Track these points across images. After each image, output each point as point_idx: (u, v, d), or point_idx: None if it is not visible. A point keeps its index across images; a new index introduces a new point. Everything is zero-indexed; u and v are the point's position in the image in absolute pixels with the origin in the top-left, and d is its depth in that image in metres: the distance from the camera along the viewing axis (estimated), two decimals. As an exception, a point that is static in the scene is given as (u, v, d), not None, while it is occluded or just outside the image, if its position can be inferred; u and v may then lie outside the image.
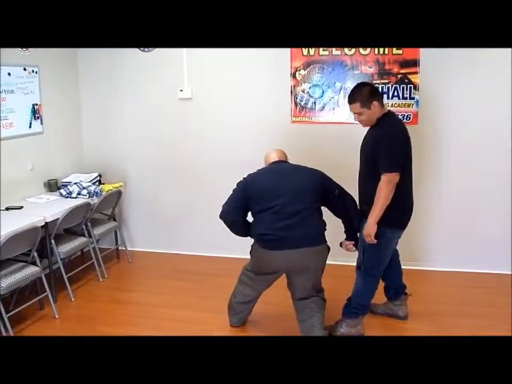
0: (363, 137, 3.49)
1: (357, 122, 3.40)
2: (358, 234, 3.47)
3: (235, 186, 3.40)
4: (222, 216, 3.39)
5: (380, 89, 4.29)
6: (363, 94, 3.24)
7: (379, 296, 3.77)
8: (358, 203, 3.48)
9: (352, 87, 3.45)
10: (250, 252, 3.45)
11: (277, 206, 3.14)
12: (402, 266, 3.81)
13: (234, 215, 3.37)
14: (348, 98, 3.37)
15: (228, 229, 3.48)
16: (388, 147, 3.17)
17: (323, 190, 3.28)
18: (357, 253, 3.51)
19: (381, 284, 3.74)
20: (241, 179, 3.39)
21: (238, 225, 3.43)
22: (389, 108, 3.52)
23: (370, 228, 3.22)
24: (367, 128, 3.46)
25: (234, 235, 3.50)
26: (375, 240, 3.24)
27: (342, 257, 4.42)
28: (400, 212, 3.31)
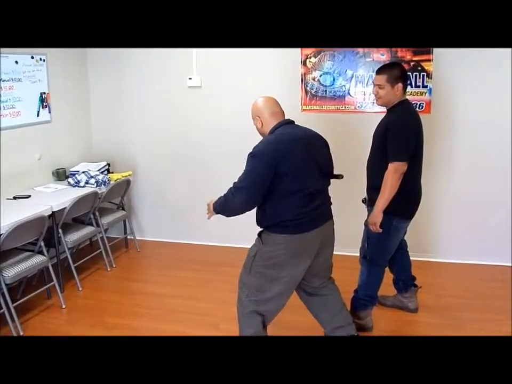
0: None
1: (372, 110, 3.33)
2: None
3: (250, 163, 2.74)
4: (242, 206, 2.78)
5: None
6: (393, 71, 3.25)
7: (389, 288, 3.72)
8: (366, 189, 3.46)
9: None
10: (260, 253, 2.85)
11: (309, 187, 2.77)
12: (412, 258, 3.76)
13: (258, 201, 2.78)
14: (377, 69, 3.37)
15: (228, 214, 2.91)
16: (397, 136, 3.14)
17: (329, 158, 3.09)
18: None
19: (390, 276, 3.69)
20: (256, 152, 2.75)
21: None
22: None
23: (376, 216, 3.19)
24: (378, 117, 3.40)
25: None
26: (380, 229, 3.21)
27: (347, 248, 4.37)
28: (408, 201, 3.29)
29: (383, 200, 3.15)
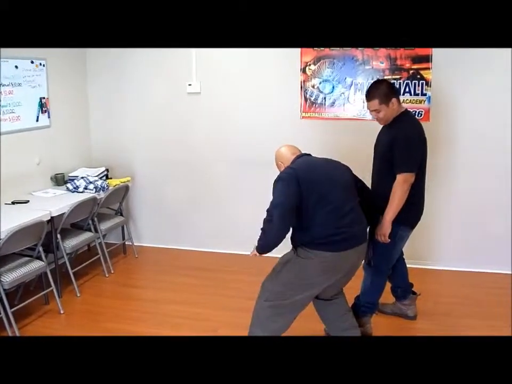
0: (378, 134, 3.45)
1: (373, 119, 3.33)
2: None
3: (276, 186, 2.83)
4: (280, 224, 2.77)
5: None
6: (382, 91, 3.20)
7: (388, 296, 3.72)
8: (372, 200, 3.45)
9: (367, 84, 3.37)
10: (290, 266, 2.90)
11: (335, 201, 2.81)
12: (412, 266, 3.78)
13: (292, 218, 2.79)
14: (366, 96, 3.31)
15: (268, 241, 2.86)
16: (405, 148, 3.14)
17: (355, 182, 3.10)
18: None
19: (388, 284, 3.69)
20: (281, 177, 2.84)
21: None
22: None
23: (385, 227, 3.20)
24: (377, 125, 3.42)
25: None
26: (389, 240, 3.22)
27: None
28: (414, 210, 3.31)
29: (392, 211, 3.16)
